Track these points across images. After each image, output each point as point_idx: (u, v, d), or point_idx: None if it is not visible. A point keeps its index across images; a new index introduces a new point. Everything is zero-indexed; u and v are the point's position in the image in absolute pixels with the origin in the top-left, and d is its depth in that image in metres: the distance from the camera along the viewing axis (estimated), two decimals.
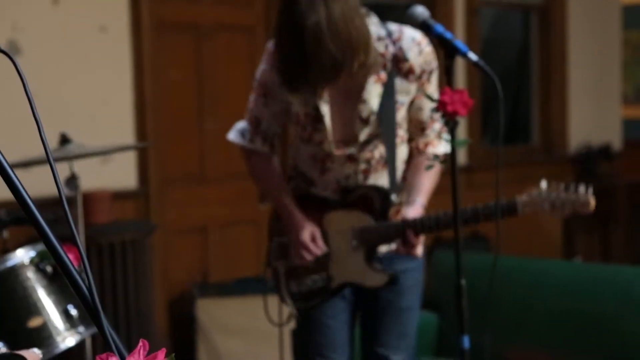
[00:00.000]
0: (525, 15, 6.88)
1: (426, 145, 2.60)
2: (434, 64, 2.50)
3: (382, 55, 2.43)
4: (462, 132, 5.64)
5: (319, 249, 2.55)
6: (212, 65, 4.96)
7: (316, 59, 2.25)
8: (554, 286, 3.39)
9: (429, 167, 2.44)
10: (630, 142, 7.18)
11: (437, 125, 2.59)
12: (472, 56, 2.14)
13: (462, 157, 5.90)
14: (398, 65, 2.45)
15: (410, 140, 2.61)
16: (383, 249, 2.61)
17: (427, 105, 2.53)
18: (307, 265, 2.58)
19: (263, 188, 2.70)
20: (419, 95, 2.50)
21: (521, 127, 6.91)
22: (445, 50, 2.17)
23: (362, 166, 2.53)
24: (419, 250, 2.51)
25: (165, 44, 4.75)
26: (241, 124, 2.68)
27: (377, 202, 2.53)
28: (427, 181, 2.56)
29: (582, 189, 2.37)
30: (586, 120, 6.84)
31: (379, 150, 2.52)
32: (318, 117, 2.47)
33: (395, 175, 2.54)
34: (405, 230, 2.45)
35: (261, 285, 2.83)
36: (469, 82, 5.98)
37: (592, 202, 2.36)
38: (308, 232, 2.54)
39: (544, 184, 2.42)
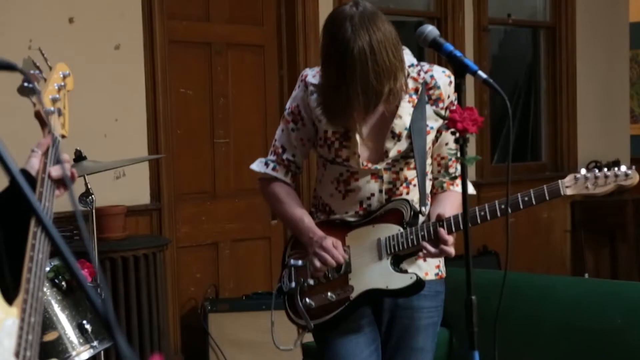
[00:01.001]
0: (534, 33, 6.91)
1: (450, 184, 2.63)
2: (457, 99, 2.54)
3: (415, 79, 2.51)
4: (471, 149, 5.66)
5: (340, 255, 2.52)
6: (223, 81, 5.01)
7: (358, 83, 2.35)
8: (563, 302, 3.39)
9: (439, 183, 2.48)
10: (638, 158, 7.19)
11: (459, 165, 2.62)
12: (482, 74, 2.16)
13: (471, 174, 5.92)
14: (428, 92, 2.52)
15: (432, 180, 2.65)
16: (427, 276, 2.60)
17: (451, 140, 2.54)
18: (328, 280, 2.56)
19: (282, 213, 2.69)
20: (445, 129, 2.54)
21: (530, 145, 6.93)
22: (455, 69, 2.20)
23: (386, 186, 2.55)
24: (452, 249, 2.47)
25: (178, 62, 4.81)
26: (264, 158, 2.71)
27: (407, 213, 2.53)
28: (450, 208, 2.56)
29: (624, 167, 2.45)
30: (594, 138, 6.85)
31: (404, 174, 2.55)
32: (347, 134, 2.51)
33: (425, 189, 2.56)
34: (438, 228, 2.44)
35: (271, 301, 2.78)
36: (478, 100, 6.02)
37: (637, 176, 2.41)
38: (330, 240, 2.52)
39: (583, 170, 2.48)
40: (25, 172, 1.99)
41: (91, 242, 3.45)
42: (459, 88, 2.20)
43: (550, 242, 6.63)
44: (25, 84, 2.09)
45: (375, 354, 2.63)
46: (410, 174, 2.56)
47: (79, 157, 3.64)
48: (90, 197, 3.52)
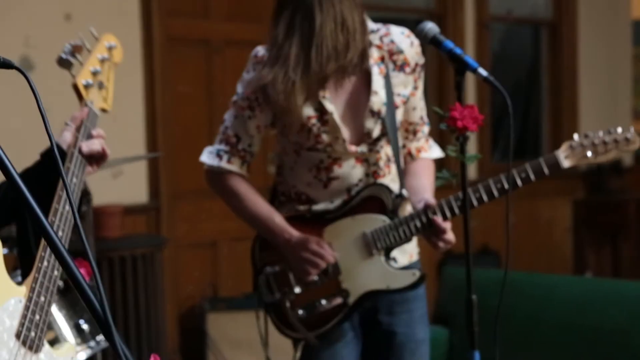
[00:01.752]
0: (535, 30, 6.88)
1: (419, 150, 2.51)
2: (422, 59, 2.44)
3: (379, 47, 2.37)
4: (472, 147, 5.64)
5: (331, 255, 2.33)
6: (222, 80, 4.99)
7: (321, 51, 2.24)
8: (564, 301, 3.38)
9: (440, 182, 2.44)
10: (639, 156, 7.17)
11: (426, 128, 2.52)
12: (483, 72, 2.14)
13: (472, 172, 5.90)
14: (392, 58, 2.38)
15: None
16: (403, 260, 2.46)
17: (420, 105, 2.47)
18: (316, 285, 2.37)
19: (245, 211, 2.45)
20: (413, 92, 2.43)
21: (531, 143, 6.90)
22: (456, 66, 2.17)
23: (372, 168, 2.40)
24: (451, 235, 2.34)
25: (176, 59, 4.78)
26: (212, 147, 2.47)
27: (388, 200, 2.37)
28: (429, 182, 2.46)
29: (620, 128, 2.35)
30: None
31: (385, 151, 2.41)
32: (324, 117, 2.33)
33: (402, 170, 2.42)
34: (433, 218, 2.31)
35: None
36: (479, 98, 5.99)
37: (638, 139, 2.34)
38: (314, 240, 2.33)
39: (576, 135, 2.38)
40: (57, 147, 1.93)
41: (88, 242, 3.42)
42: (459, 86, 2.18)
43: (552, 241, 6.61)
44: (63, 55, 2.04)
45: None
46: (390, 150, 2.42)
47: None
48: (87, 196, 3.50)
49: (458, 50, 2.18)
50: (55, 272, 1.78)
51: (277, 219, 2.38)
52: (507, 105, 2.08)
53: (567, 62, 6.68)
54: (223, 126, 2.46)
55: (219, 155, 2.43)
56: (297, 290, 2.39)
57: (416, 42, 2.40)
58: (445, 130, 2.24)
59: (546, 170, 2.36)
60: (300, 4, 2.30)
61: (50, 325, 2.80)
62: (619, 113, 7.07)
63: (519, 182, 2.35)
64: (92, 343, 2.93)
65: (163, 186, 4.67)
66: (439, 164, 2.63)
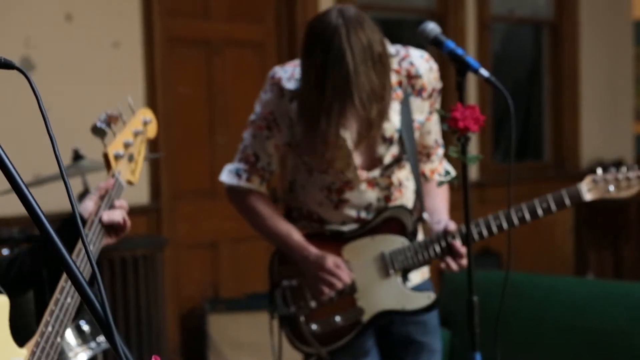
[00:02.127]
0: (536, 30, 6.88)
1: (433, 172, 2.54)
2: (440, 84, 2.46)
3: (397, 71, 2.37)
4: (473, 148, 5.64)
5: (347, 276, 2.36)
6: (223, 80, 4.98)
7: (342, 103, 2.23)
8: (566, 303, 3.37)
9: (441, 183, 2.43)
10: None
11: (441, 151, 2.55)
12: (484, 72, 2.14)
13: (473, 173, 5.89)
14: (410, 82, 2.38)
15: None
16: (416, 278, 2.48)
17: (435, 129, 2.49)
18: (332, 301, 2.39)
19: (265, 229, 2.47)
20: (429, 117, 2.44)
21: (533, 143, 6.90)
22: (457, 67, 2.17)
23: (383, 193, 2.43)
24: (466, 261, 2.34)
25: (176, 59, 4.78)
26: (232, 165, 2.50)
27: (408, 222, 2.40)
28: (444, 204, 2.50)
29: None
30: (598, 136, 6.82)
31: (397, 176, 2.43)
32: (338, 143, 2.33)
33: (422, 194, 2.44)
34: (452, 242, 2.34)
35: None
36: (480, 98, 5.98)
37: None
38: (331, 259, 2.35)
39: (599, 170, 2.41)
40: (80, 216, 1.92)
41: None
42: (461, 86, 2.17)
43: (553, 242, 6.60)
44: (98, 124, 2.03)
45: None
46: (402, 174, 2.46)
47: (77, 156, 3.61)
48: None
49: (459, 51, 2.17)
50: (58, 339, 1.77)
51: (296, 236, 2.41)
52: (509, 106, 2.08)
53: (569, 62, 6.68)
54: (242, 145, 2.49)
55: (238, 174, 2.47)
56: (313, 305, 2.41)
57: (435, 66, 2.42)
58: (446, 131, 2.24)
59: (568, 202, 2.39)
60: (330, 48, 2.23)
61: None
62: (620, 113, 7.06)
63: (540, 213, 2.40)
64: (92, 344, 2.93)
65: (164, 187, 4.67)
66: None
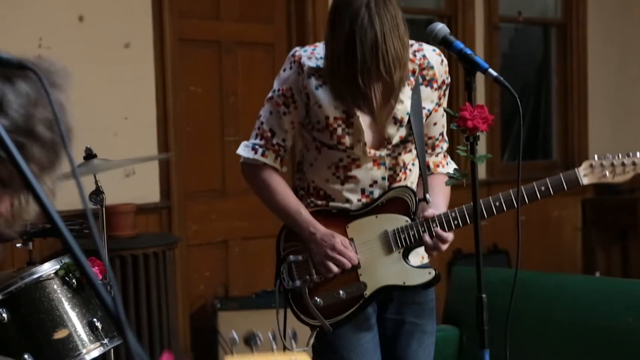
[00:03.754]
0: (544, 30, 6.89)
1: (436, 165, 2.60)
2: (449, 78, 2.54)
3: (411, 60, 2.44)
4: (482, 147, 5.66)
5: (354, 257, 2.45)
6: (234, 80, 5.01)
7: (370, 70, 2.30)
8: (574, 301, 3.38)
9: (450, 182, 2.45)
10: None
11: (445, 145, 2.61)
12: (493, 72, 2.16)
13: (482, 172, 5.90)
14: (422, 72, 2.46)
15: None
16: (414, 260, 2.54)
17: (441, 121, 2.55)
18: (336, 277, 2.47)
19: (275, 203, 2.54)
20: (436, 108, 2.51)
21: (541, 143, 6.91)
22: (466, 67, 2.19)
23: (388, 172, 2.49)
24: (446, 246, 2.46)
25: (187, 60, 4.81)
26: (248, 141, 2.58)
27: (412, 203, 2.47)
28: (444, 199, 2.56)
29: (639, 153, 2.44)
30: (605, 136, 6.83)
31: (402, 158, 2.50)
32: (350, 120, 2.42)
33: (426, 175, 2.51)
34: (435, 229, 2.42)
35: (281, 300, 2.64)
36: (488, 98, 6.00)
37: None
38: (339, 239, 2.44)
39: (596, 155, 2.47)
40: None
41: (101, 240, 3.45)
42: (470, 86, 2.20)
43: (561, 241, 6.61)
44: (253, 335, 1.93)
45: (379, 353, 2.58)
46: (407, 157, 2.52)
47: (89, 155, 3.64)
48: (100, 196, 3.52)
49: (468, 51, 2.20)
50: None
51: (304, 213, 2.49)
52: (517, 106, 2.10)
53: (577, 62, 6.69)
54: (258, 121, 2.56)
55: (254, 149, 2.54)
56: (317, 278, 2.49)
57: (446, 61, 2.51)
58: (455, 130, 2.27)
59: (566, 187, 2.44)
60: (355, 16, 2.30)
61: (64, 323, 2.83)
62: (629, 113, 7.06)
63: (538, 195, 2.44)
64: (105, 340, 2.96)
65: (175, 185, 4.70)
66: None
